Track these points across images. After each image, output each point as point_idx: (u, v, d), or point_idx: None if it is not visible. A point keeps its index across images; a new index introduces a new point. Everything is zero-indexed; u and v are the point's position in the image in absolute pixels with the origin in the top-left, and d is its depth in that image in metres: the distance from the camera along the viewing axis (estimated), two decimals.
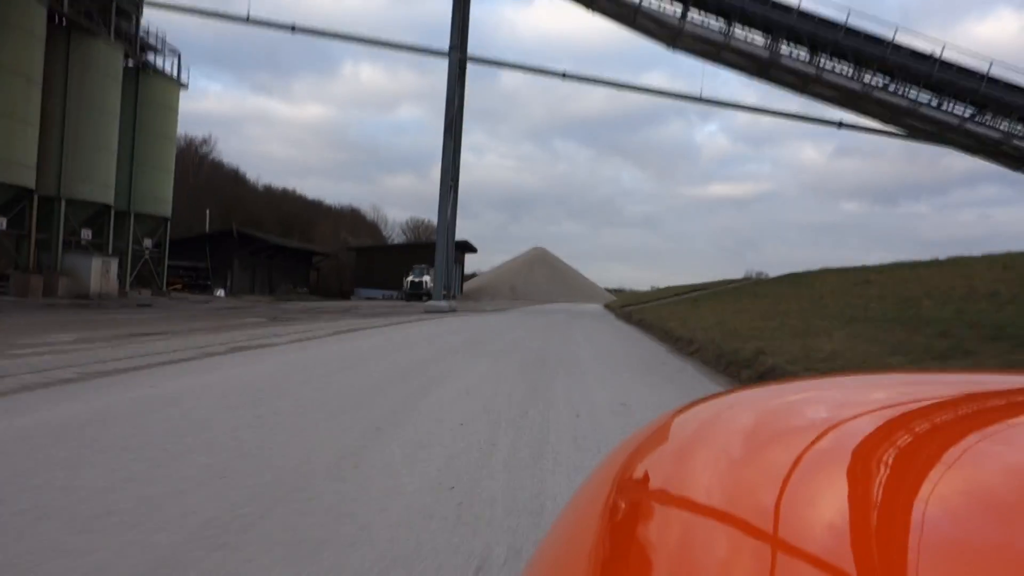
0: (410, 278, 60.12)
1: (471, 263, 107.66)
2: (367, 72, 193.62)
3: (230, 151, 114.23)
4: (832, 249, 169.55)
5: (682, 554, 0.42)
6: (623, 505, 0.53)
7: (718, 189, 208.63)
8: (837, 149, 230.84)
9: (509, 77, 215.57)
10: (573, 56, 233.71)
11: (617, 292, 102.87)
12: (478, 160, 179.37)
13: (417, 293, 59.55)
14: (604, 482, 0.59)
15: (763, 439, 0.55)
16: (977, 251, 20.77)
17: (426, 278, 60.16)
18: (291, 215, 77.39)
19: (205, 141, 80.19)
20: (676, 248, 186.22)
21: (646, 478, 0.56)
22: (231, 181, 77.59)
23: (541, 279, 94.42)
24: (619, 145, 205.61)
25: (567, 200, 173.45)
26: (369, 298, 66.25)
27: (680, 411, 0.69)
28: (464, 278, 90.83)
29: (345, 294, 68.48)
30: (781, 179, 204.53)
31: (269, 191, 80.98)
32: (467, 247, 78.02)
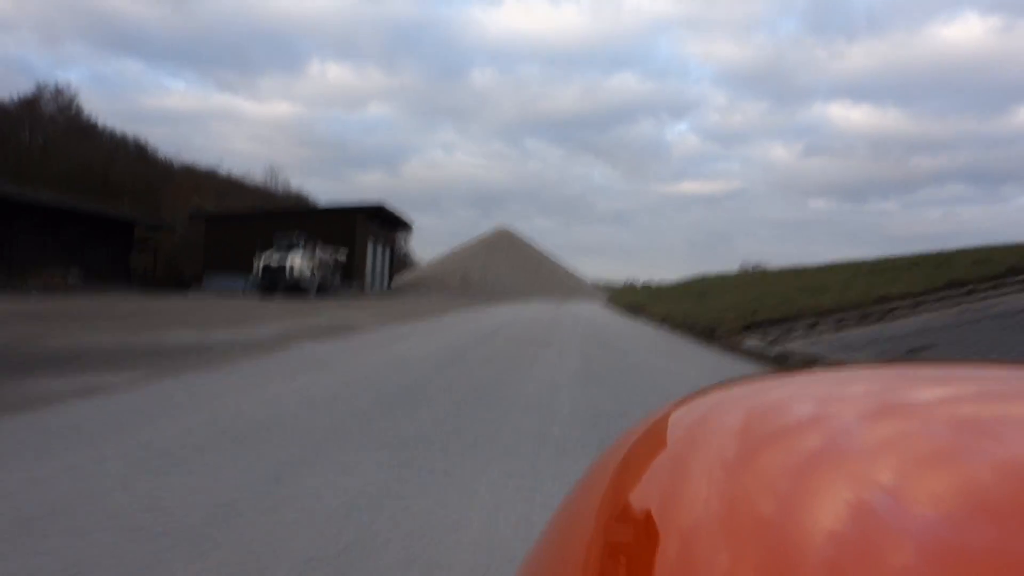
0: (263, 262, 34.36)
1: (425, 247, 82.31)
2: (334, 70, 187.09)
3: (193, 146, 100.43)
4: (802, 245, 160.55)
5: (676, 561, 0.41)
6: (616, 510, 0.52)
7: (689, 186, 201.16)
8: (806, 148, 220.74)
9: (479, 75, 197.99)
10: (543, 55, 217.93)
11: (600, 287, 78.04)
12: (448, 157, 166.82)
13: (276, 284, 33.94)
14: (596, 485, 0.58)
15: (759, 438, 0.54)
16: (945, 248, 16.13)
17: (295, 260, 34.54)
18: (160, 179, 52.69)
19: (60, 92, 54.38)
20: (648, 244, 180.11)
21: (641, 480, 0.54)
22: (125, 151, 54.97)
23: (504, 267, 69.07)
24: (590, 143, 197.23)
25: (538, 197, 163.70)
26: (223, 291, 40.51)
27: (677, 405, 0.66)
28: (395, 265, 65.25)
29: (185, 283, 42.46)
30: (751, 177, 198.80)
31: (191, 171, 57.88)
32: (394, 220, 52.22)
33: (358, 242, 44.74)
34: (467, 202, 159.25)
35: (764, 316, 12.18)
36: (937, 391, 0.61)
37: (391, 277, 59.12)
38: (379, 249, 52.96)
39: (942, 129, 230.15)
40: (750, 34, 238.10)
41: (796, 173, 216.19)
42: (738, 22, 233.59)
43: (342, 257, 40.56)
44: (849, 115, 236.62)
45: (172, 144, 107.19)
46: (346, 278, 43.10)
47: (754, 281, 25.46)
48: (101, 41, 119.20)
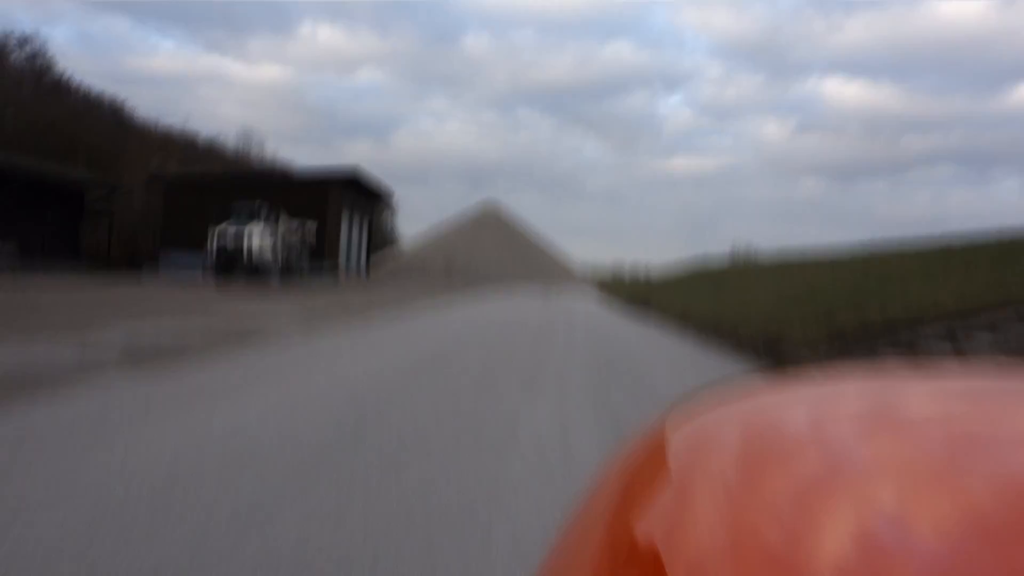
0: (217, 239, 30.28)
1: (412, 223, 78.19)
2: (326, 32, 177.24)
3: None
4: (791, 227, 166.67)
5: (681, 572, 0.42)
6: (618, 528, 0.51)
7: (681, 163, 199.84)
8: (799, 124, 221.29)
9: (473, 40, 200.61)
10: (538, 21, 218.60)
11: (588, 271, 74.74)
12: (439, 127, 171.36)
13: (232, 266, 30.05)
14: (599, 502, 0.57)
15: (762, 451, 0.54)
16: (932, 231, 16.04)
17: (254, 237, 30.65)
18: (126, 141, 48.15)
19: (25, 41, 49.37)
20: (637, 224, 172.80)
21: (642, 497, 0.54)
22: (99, 110, 49.80)
23: (491, 248, 65.52)
24: (583, 115, 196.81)
25: (529, 172, 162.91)
26: (180, 270, 36.57)
27: (675, 413, 0.65)
28: (375, 243, 61.60)
29: (138, 262, 38.47)
30: (743, 154, 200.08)
31: (163, 133, 53.48)
32: (372, 191, 48.23)
33: (331, 216, 40.82)
34: (456, 176, 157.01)
35: (853, 320, 8.47)
36: (945, 396, 0.59)
37: (369, 257, 55.30)
38: (355, 225, 49.03)
39: (935, 108, 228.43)
40: (748, 3, 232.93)
41: (788, 151, 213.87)
42: None
43: (311, 234, 36.64)
44: (843, 91, 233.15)
45: (158, 108, 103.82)
46: (316, 259, 39.29)
47: (779, 268, 21.85)
48: None
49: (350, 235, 48.10)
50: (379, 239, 74.81)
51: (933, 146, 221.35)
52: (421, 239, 72.92)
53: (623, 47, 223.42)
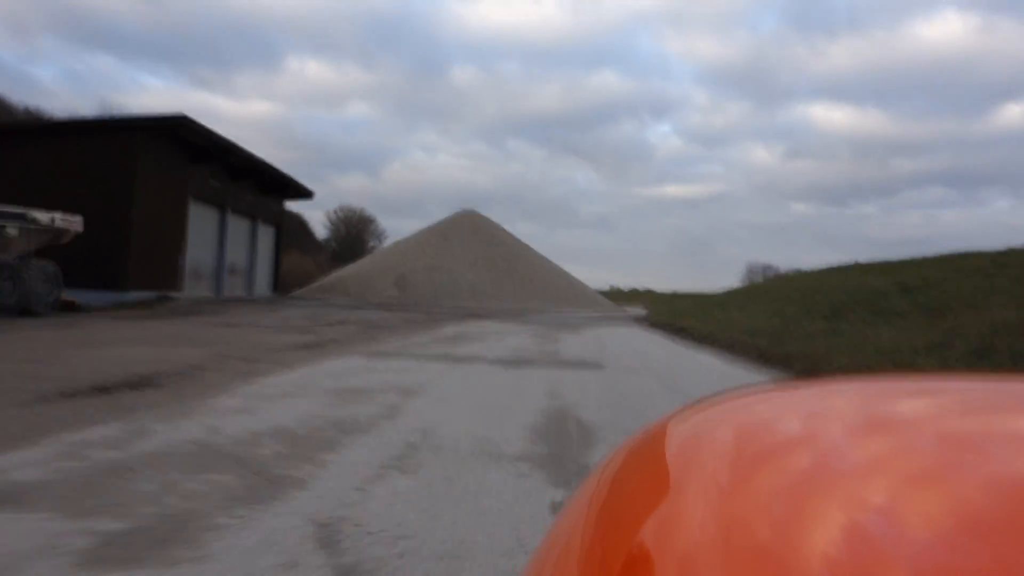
0: None
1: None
2: (313, 67, 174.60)
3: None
4: (783, 249, 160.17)
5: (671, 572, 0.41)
6: (610, 527, 0.51)
7: (672, 190, 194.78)
8: (788, 150, 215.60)
9: (460, 72, 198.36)
10: (523, 52, 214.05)
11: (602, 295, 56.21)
12: (430, 159, 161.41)
13: None
14: (592, 500, 0.58)
15: (756, 454, 0.54)
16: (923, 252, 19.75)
17: None
18: None
19: None
20: (631, 249, 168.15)
21: (636, 497, 0.54)
22: None
23: (464, 263, 46.83)
24: (572, 144, 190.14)
25: (521, 200, 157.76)
26: None
27: (674, 417, 0.66)
28: (281, 256, 43.05)
29: None
30: (733, 180, 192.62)
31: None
32: (278, 179, 29.52)
33: (148, 196, 22.12)
34: (450, 206, 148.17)
35: None
36: (932, 403, 0.60)
37: (277, 275, 36.69)
38: (234, 225, 30.37)
39: (922, 131, 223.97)
40: (731, 31, 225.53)
41: (778, 176, 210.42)
42: (719, 18, 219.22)
43: (65, 225, 17.89)
44: (830, 116, 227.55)
45: None
46: (118, 275, 20.70)
47: None
48: (72, 35, 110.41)
49: (221, 243, 29.45)
50: (347, 255, 56.44)
51: (921, 168, 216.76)
52: (375, 253, 54.53)
53: (609, 76, 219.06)
